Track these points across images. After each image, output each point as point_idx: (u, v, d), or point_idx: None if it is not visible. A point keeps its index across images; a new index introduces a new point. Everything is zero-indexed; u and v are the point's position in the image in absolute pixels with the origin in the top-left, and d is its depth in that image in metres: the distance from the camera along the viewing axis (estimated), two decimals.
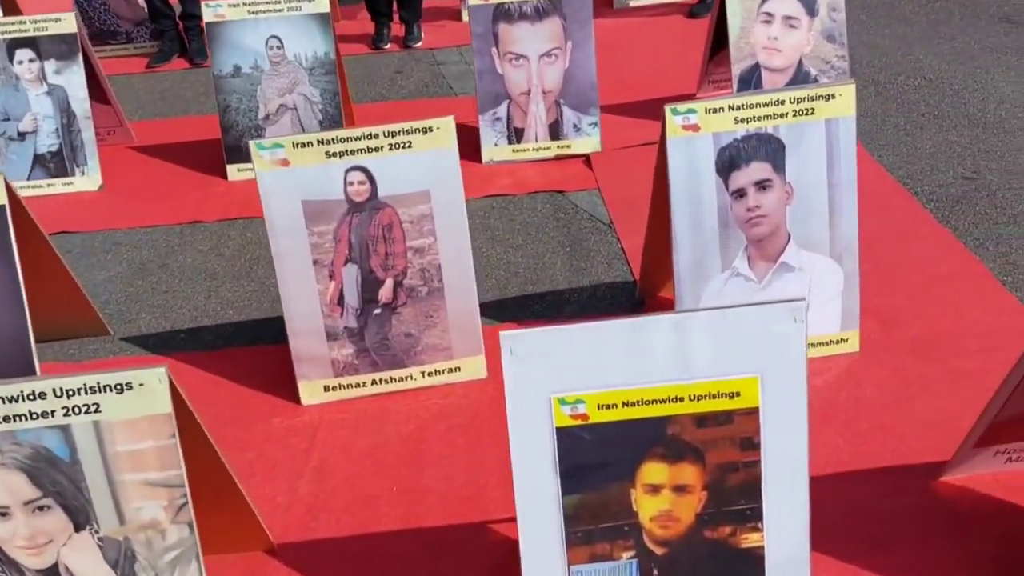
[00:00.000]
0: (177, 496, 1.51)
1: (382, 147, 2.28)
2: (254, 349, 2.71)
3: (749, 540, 1.59)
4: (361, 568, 1.96)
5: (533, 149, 3.86)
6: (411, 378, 2.46)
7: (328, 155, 2.26)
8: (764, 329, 1.50)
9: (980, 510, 1.96)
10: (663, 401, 1.52)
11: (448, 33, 5.66)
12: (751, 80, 3.87)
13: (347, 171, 2.29)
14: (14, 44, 3.79)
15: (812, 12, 3.83)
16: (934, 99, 4.10)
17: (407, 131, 2.28)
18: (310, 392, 2.44)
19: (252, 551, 1.99)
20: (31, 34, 3.78)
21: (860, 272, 2.77)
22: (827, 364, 2.45)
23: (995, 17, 5.14)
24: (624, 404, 1.52)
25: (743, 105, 2.30)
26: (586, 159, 3.82)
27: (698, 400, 1.52)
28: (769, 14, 3.82)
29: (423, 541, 2.01)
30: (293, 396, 2.46)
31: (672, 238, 2.38)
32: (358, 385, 2.45)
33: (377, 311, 2.41)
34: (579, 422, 1.53)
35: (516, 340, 1.49)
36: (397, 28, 5.68)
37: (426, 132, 2.29)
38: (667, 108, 2.30)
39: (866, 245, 2.95)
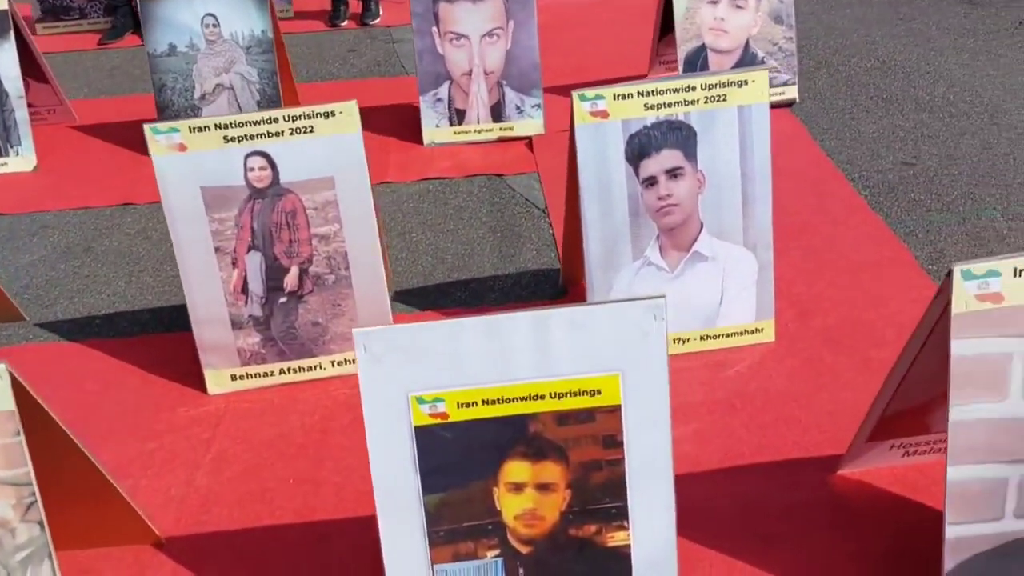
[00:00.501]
0: (25, 495, 1.48)
1: (283, 132, 2.22)
2: (168, 336, 2.67)
3: (615, 539, 1.57)
4: (248, 562, 1.93)
5: (475, 131, 3.81)
6: (320, 367, 2.43)
7: (226, 139, 2.21)
8: (624, 326, 1.46)
9: (874, 504, 1.94)
10: (524, 399, 1.49)
11: (407, 10, 5.54)
12: (697, 62, 3.81)
13: (247, 156, 2.23)
14: None
15: None
16: (884, 82, 4.05)
17: (308, 115, 2.22)
18: (216, 381, 2.41)
19: (138, 544, 1.97)
20: None
21: (786, 260, 2.75)
22: (740, 354, 2.42)
23: None
24: (484, 402, 1.49)
25: (653, 91, 2.25)
26: (528, 142, 3.76)
27: (559, 398, 1.49)
28: None
29: (315, 535, 1.98)
30: (201, 385, 2.43)
31: (582, 226, 2.33)
32: (265, 374, 2.41)
33: (283, 299, 2.37)
34: (438, 421, 1.50)
35: (370, 338, 1.45)
36: (356, 5, 5.60)
37: (328, 116, 2.23)
38: (574, 94, 2.25)
39: (796, 232, 2.94)
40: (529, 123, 3.78)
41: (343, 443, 2.22)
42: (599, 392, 1.49)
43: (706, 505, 1.96)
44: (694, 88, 2.26)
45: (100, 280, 3.01)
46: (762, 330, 2.44)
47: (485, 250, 3.05)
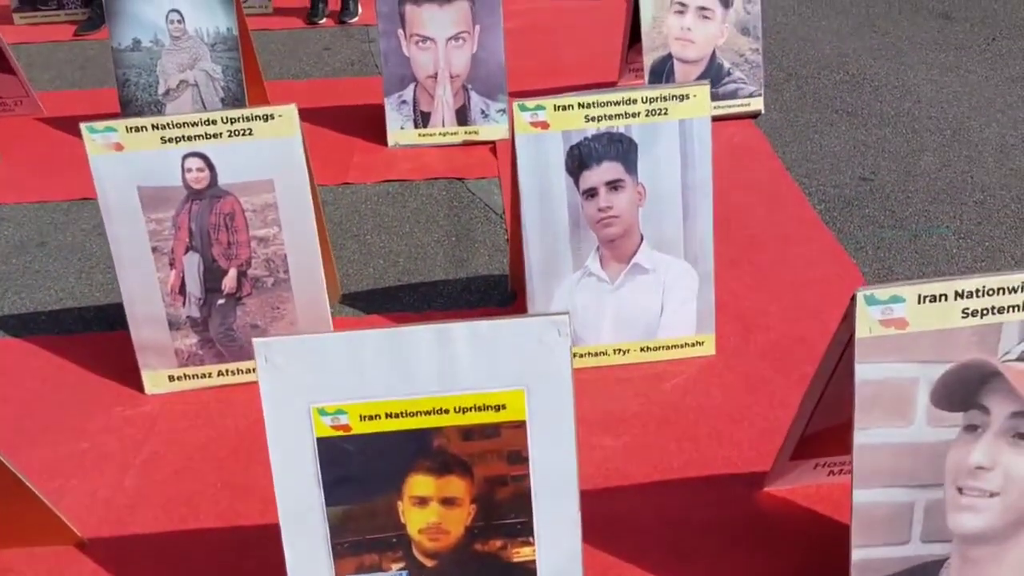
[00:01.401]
0: None
1: (221, 133, 2.22)
2: (111, 335, 2.66)
3: (520, 554, 1.57)
4: (169, 565, 1.93)
5: (440, 134, 3.80)
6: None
7: (164, 140, 2.20)
8: (528, 342, 1.46)
9: (795, 522, 1.95)
10: (428, 413, 1.49)
11: None
12: (663, 71, 3.81)
13: (184, 157, 2.23)
14: None
15: (726, 3, 3.77)
16: (851, 96, 4.05)
17: (247, 118, 2.22)
18: (154, 382, 2.40)
19: (59, 545, 1.96)
20: None
21: (733, 274, 2.75)
22: (680, 367, 2.42)
23: (934, 12, 5.09)
24: (387, 415, 1.49)
25: (594, 103, 2.25)
26: (492, 146, 3.76)
27: (464, 412, 1.49)
28: (683, 4, 3.75)
29: (236, 539, 1.98)
30: (139, 385, 2.42)
31: (522, 236, 2.33)
32: (203, 376, 2.41)
33: (221, 301, 2.36)
34: (341, 433, 1.49)
35: (271, 348, 1.45)
36: (336, 3, 5.58)
37: (267, 119, 2.22)
38: (515, 104, 2.24)
39: (746, 246, 2.94)
40: (494, 128, 3.78)
41: None
42: (504, 407, 1.49)
43: (629, 517, 1.96)
44: (635, 101, 2.25)
45: (51, 276, 3.00)
46: (702, 343, 2.44)
47: (439, 254, 3.05)
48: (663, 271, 2.38)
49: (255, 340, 1.43)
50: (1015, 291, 1.50)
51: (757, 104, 3.87)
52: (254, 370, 2.39)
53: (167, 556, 1.95)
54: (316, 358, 1.45)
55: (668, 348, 2.43)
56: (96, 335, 2.69)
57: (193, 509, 2.06)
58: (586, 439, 2.12)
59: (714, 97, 3.77)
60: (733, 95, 3.84)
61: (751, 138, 3.70)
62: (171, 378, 2.40)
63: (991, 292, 1.49)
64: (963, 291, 1.49)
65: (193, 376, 2.40)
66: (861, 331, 1.49)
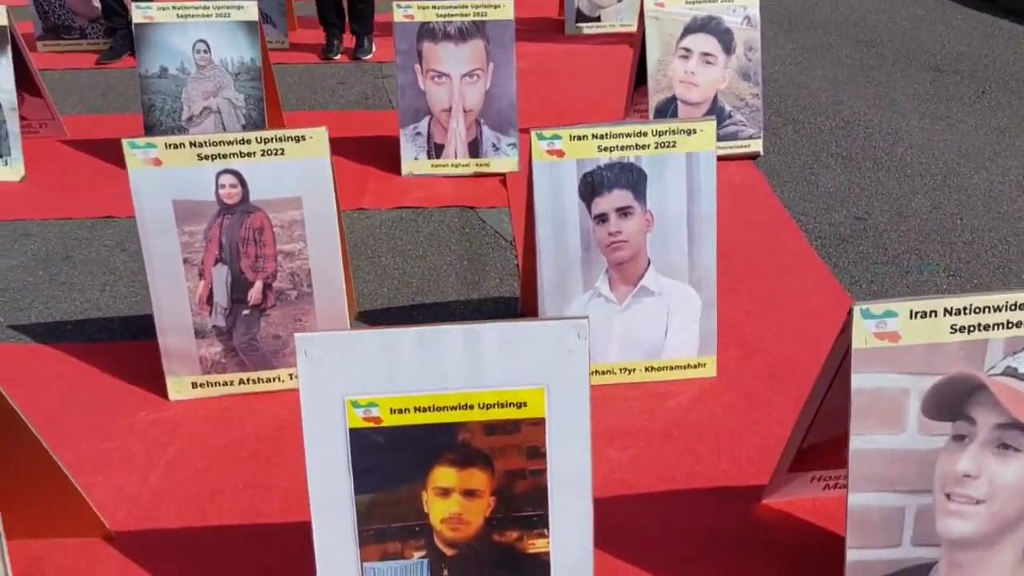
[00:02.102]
0: None
1: (254, 152, 2.35)
2: (134, 344, 2.77)
3: (535, 546, 1.66)
4: (192, 559, 2.01)
5: (452, 165, 3.95)
6: (278, 379, 2.52)
7: (200, 157, 2.33)
8: (550, 343, 1.58)
9: (792, 532, 2.04)
10: (454, 408, 1.60)
11: None
12: (667, 112, 3.98)
13: (219, 174, 2.36)
14: None
15: (729, 50, 3.96)
16: (846, 141, 4.23)
17: (280, 138, 2.35)
18: (178, 388, 2.50)
19: (89, 537, 2.04)
20: None
21: (734, 302, 2.87)
22: (683, 387, 2.53)
23: (925, 65, 5.30)
24: (416, 409, 1.59)
25: (607, 134, 2.39)
26: (503, 178, 3.91)
27: (487, 408, 1.60)
28: (687, 49, 3.94)
29: (257, 536, 2.07)
30: (163, 391, 2.52)
31: (536, 257, 2.46)
32: (225, 383, 2.51)
33: (246, 312, 2.47)
34: (372, 424, 1.60)
35: (310, 342, 1.56)
36: (350, 40, 5.78)
37: (299, 140, 2.36)
38: (533, 133, 2.39)
39: (747, 276, 3.07)
40: (504, 160, 3.93)
41: (293, 452, 2.28)
42: (525, 404, 1.60)
43: (634, 525, 2.06)
44: (645, 133, 2.40)
45: (75, 288, 3.11)
46: (704, 365, 2.56)
47: (451, 276, 3.17)
48: (668, 295, 2.50)
49: (296, 335, 1.54)
50: (999, 310, 1.62)
51: (757, 146, 4.04)
52: (275, 379, 2.52)
53: (191, 549, 2.03)
54: (352, 353, 1.56)
55: (672, 368, 2.54)
56: (120, 344, 2.79)
57: (216, 506, 2.15)
58: (593, 451, 2.22)
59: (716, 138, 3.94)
60: (734, 136, 4.01)
61: (751, 178, 3.86)
62: (194, 384, 2.50)
63: (977, 310, 1.62)
64: (951, 308, 1.61)
65: (216, 383, 2.50)
66: (857, 342, 1.61)
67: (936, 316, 1.61)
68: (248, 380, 2.51)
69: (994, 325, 1.63)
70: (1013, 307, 1.62)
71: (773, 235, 3.37)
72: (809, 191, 3.73)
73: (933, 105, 4.66)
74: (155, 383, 2.54)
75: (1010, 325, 1.62)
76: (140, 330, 2.84)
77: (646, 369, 2.54)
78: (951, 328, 1.62)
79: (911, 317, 1.61)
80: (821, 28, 6.15)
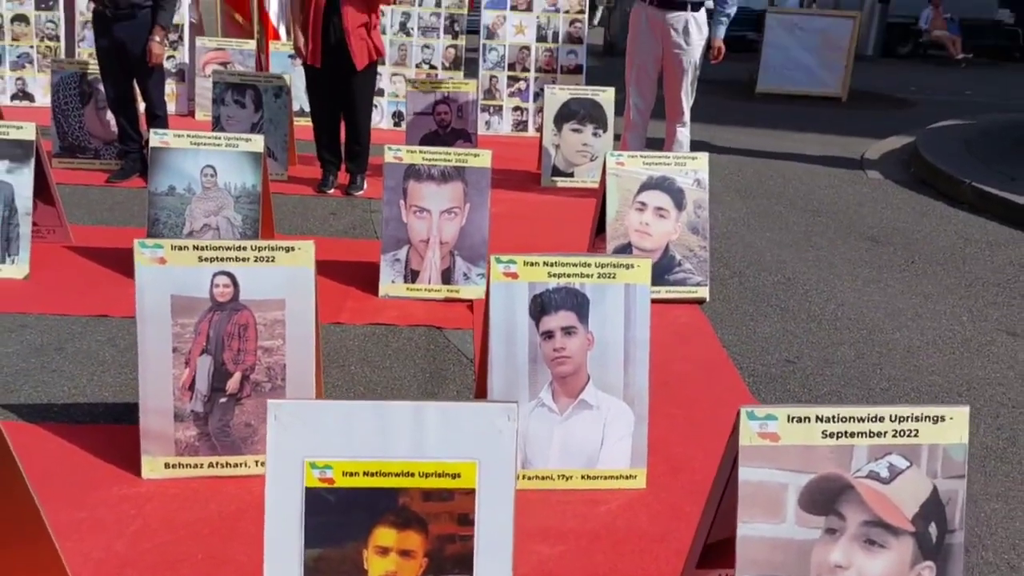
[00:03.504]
0: None
1: (248, 258, 2.69)
2: (116, 427, 2.99)
3: None
4: None
5: (425, 290, 4.31)
6: (245, 465, 2.75)
7: (200, 259, 2.67)
8: (484, 423, 1.86)
9: None
10: (398, 475, 1.85)
11: None
12: None
13: (215, 274, 2.68)
14: None
15: (680, 206, 4.44)
16: (785, 295, 4.65)
17: (272, 247, 2.70)
18: (151, 467, 2.71)
19: None
20: None
21: (668, 423, 3.16)
22: (614, 495, 2.77)
23: (863, 236, 5.84)
24: (365, 473, 1.85)
25: (556, 263, 2.76)
26: (470, 304, 4.26)
27: (426, 477, 1.85)
28: (643, 203, 4.42)
29: None
30: (138, 470, 2.73)
31: (488, 367, 2.76)
32: (196, 466, 2.72)
33: (223, 399, 2.73)
34: (326, 484, 1.84)
35: (280, 408, 1.83)
36: (345, 177, 6.29)
37: (288, 251, 2.71)
38: (492, 257, 2.75)
39: (683, 403, 3.37)
40: (473, 288, 4.30)
41: (253, 530, 2.50)
42: (459, 475, 1.86)
43: None
44: (589, 264, 2.77)
45: (65, 375, 3.36)
46: (635, 477, 2.81)
47: (412, 387, 3.45)
48: (605, 408, 2.79)
49: (269, 401, 1.82)
50: (863, 420, 1.93)
51: (703, 292, 4.44)
52: (242, 464, 2.75)
53: None
54: (315, 419, 1.83)
55: (605, 478, 2.79)
56: (102, 426, 3.01)
57: (176, 573, 2.32)
58: (525, 545, 2.45)
59: (665, 283, 4.36)
60: (683, 283, 4.42)
61: (696, 320, 4.23)
62: (167, 465, 2.71)
63: (844, 419, 1.92)
64: (823, 416, 1.92)
65: (187, 465, 2.72)
66: (744, 440, 1.90)
67: (810, 422, 1.92)
68: (217, 464, 2.73)
69: (859, 433, 1.93)
70: (874, 419, 1.93)
71: (711, 371, 3.70)
72: (747, 335, 4.10)
73: (867, 270, 5.13)
74: (130, 463, 2.75)
75: (872, 435, 1.93)
76: (123, 416, 3.07)
77: (582, 477, 2.79)
78: (822, 433, 1.92)
79: (788, 421, 1.91)
80: (774, 198, 6.75)
